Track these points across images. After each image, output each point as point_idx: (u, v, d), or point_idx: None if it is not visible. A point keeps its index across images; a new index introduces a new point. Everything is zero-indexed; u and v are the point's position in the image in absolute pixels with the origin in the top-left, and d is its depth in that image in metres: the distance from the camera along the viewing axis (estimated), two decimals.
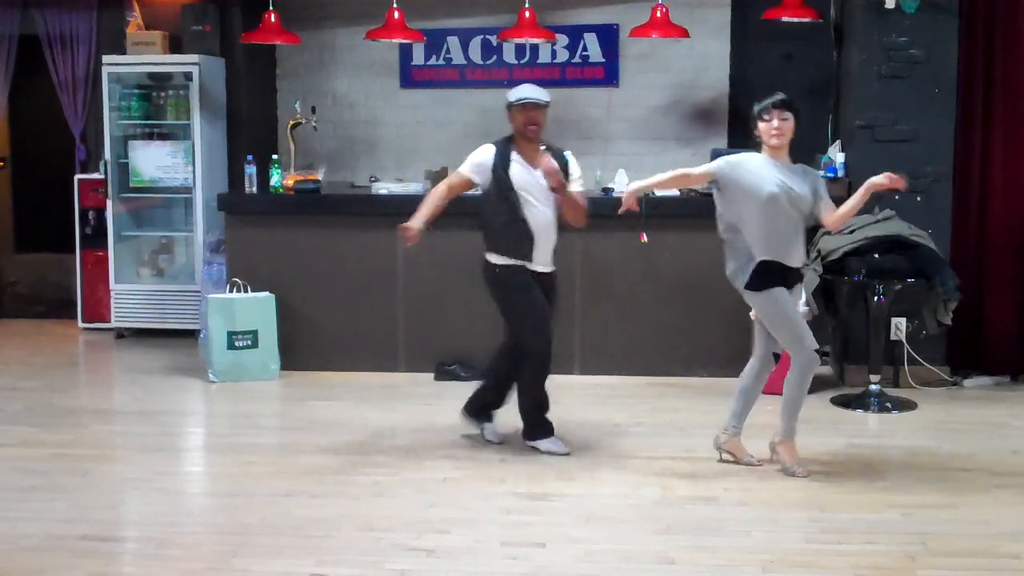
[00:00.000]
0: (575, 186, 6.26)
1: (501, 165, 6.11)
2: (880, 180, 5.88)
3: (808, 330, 5.93)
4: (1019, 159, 7.84)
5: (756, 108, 5.91)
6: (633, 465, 6.15)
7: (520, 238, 6.12)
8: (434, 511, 5.44)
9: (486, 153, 6.19)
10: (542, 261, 6.21)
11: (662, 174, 6.11)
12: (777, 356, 6.10)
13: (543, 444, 6.31)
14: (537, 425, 6.35)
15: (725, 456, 6.16)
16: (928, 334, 7.62)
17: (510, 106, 6.16)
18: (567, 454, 6.25)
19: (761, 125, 5.87)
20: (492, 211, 6.16)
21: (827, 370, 8.24)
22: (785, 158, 5.93)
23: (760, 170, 5.84)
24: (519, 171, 6.12)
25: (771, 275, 5.83)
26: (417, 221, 6.18)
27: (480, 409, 6.52)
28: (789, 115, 5.85)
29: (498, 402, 6.51)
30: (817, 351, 5.94)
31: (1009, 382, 7.97)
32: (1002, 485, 5.84)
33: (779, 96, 5.88)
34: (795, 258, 5.90)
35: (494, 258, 6.20)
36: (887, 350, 7.63)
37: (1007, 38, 7.78)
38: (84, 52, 9.93)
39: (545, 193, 6.12)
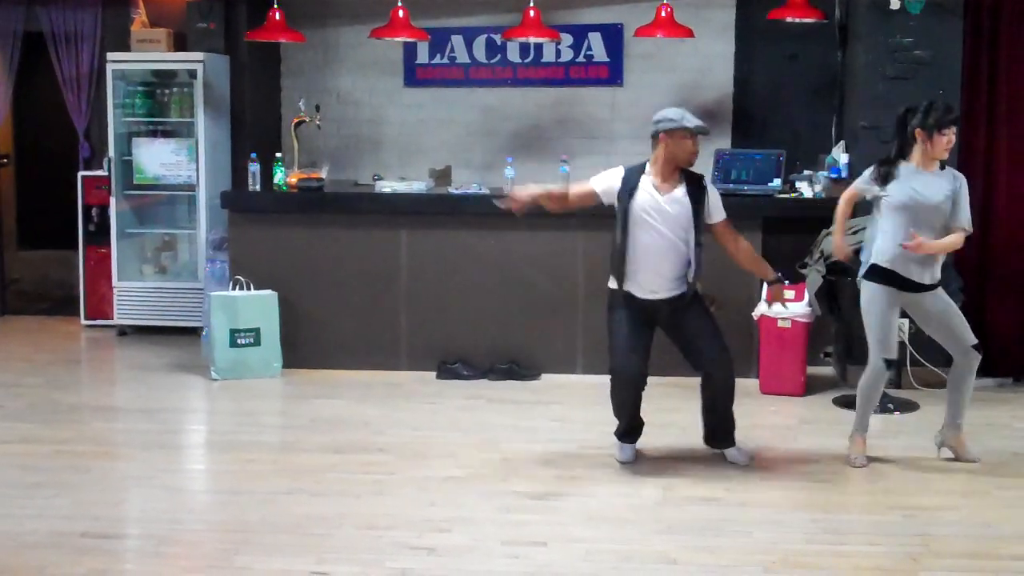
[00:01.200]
0: (717, 217, 6.10)
1: (629, 188, 6.00)
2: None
3: (886, 339, 6.12)
4: (1023, 160, 7.82)
5: (932, 118, 5.97)
6: (635, 465, 6.15)
7: (621, 261, 6.05)
8: (435, 510, 5.44)
9: (617, 175, 6.10)
10: (647, 286, 6.01)
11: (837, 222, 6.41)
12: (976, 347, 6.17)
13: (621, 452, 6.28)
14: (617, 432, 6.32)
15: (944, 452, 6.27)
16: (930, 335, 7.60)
17: (673, 131, 5.96)
18: (624, 463, 6.20)
19: (936, 137, 5.98)
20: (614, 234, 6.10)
21: (830, 371, 8.24)
22: (935, 166, 6.08)
23: (902, 177, 6.03)
24: (646, 198, 5.98)
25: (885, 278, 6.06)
26: (526, 194, 6.08)
27: (711, 434, 6.36)
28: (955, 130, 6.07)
29: (708, 423, 6.32)
30: (890, 361, 6.16)
31: (1012, 383, 7.97)
32: (1004, 487, 5.84)
33: (957, 113, 6.14)
34: (914, 271, 6.02)
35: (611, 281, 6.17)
36: None
37: (1012, 39, 7.77)
38: (88, 49, 9.93)
39: (666, 226, 5.95)
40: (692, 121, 5.95)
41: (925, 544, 5.03)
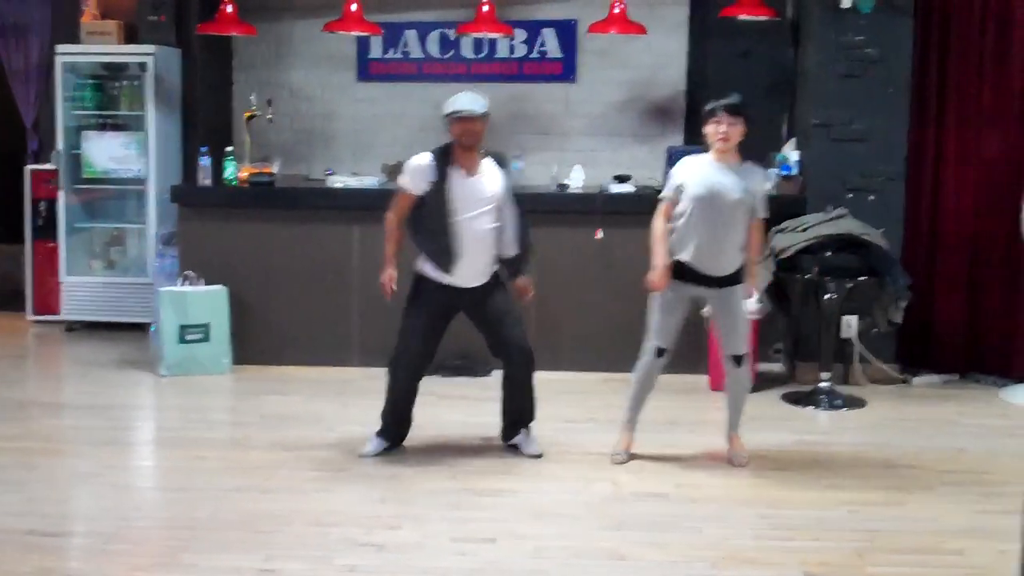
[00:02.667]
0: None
1: (439, 174, 5.94)
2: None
3: (662, 328, 6.03)
4: (971, 159, 7.92)
5: (706, 108, 5.92)
6: (584, 461, 6.16)
7: (445, 249, 5.98)
8: (384, 506, 5.43)
9: (423, 160, 6.00)
10: (466, 273, 6.02)
11: (659, 244, 6.01)
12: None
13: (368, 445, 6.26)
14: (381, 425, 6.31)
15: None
16: (879, 332, 7.68)
17: (445, 118, 5.97)
18: (365, 455, 6.18)
19: (708, 127, 5.88)
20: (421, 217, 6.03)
21: (778, 367, 8.30)
22: (732, 159, 5.93)
23: (696, 172, 5.90)
24: (456, 181, 5.95)
25: (682, 275, 5.96)
26: (389, 267, 6.07)
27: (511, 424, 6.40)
28: (738, 120, 5.84)
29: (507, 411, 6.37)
30: (661, 349, 6.05)
31: (958, 380, 8.05)
32: (949, 482, 5.90)
33: (729, 99, 5.88)
34: (715, 266, 5.93)
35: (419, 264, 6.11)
36: (838, 347, 7.68)
37: (960, 39, 7.86)
38: (37, 41, 9.82)
39: (480, 200, 5.97)
40: (450, 107, 5.92)
41: (871, 539, 5.07)
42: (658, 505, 5.51)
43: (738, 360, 6.11)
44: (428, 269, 6.04)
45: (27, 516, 5.26)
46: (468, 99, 5.94)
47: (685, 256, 5.91)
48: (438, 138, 6.24)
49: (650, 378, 6.15)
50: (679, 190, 5.93)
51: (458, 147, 5.97)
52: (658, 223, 5.99)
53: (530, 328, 7.93)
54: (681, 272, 5.94)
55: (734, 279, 5.98)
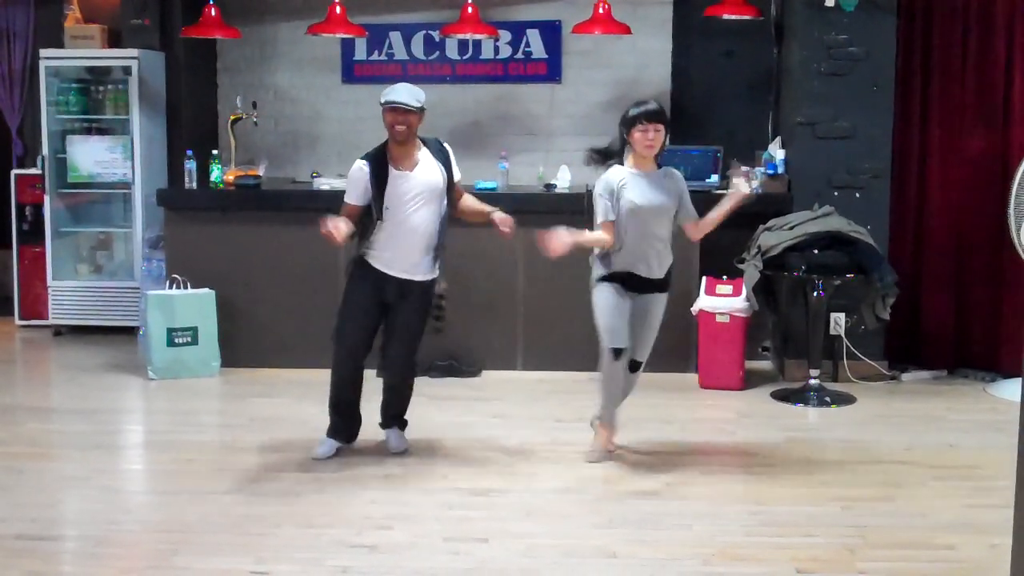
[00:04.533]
0: (458, 174, 6.14)
1: (379, 177, 5.90)
2: (743, 191, 6.02)
3: (614, 329, 6.01)
4: (956, 156, 7.95)
5: (629, 114, 5.89)
6: (575, 460, 6.16)
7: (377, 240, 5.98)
8: (375, 507, 5.42)
9: (355, 170, 5.98)
10: (403, 267, 6.00)
11: (591, 234, 5.99)
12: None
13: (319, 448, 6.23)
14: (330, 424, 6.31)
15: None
16: (867, 329, 7.70)
17: (381, 106, 5.93)
18: (318, 457, 6.15)
19: (635, 134, 5.86)
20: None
21: (767, 364, 8.31)
22: (651, 166, 5.96)
23: (625, 183, 5.89)
24: (396, 179, 5.92)
25: (618, 281, 5.99)
26: (345, 228, 5.81)
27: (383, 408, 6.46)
28: (661, 127, 5.87)
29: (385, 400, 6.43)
30: (616, 350, 6.03)
31: (946, 376, 8.08)
32: (939, 477, 5.92)
33: (652, 106, 5.89)
34: (651, 268, 5.96)
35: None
36: (826, 345, 7.70)
37: (944, 36, 7.89)
38: (21, 45, 9.81)
39: (423, 192, 5.93)
40: (385, 96, 5.91)
41: (862, 535, 5.08)
42: (649, 503, 5.51)
43: (638, 366, 6.19)
44: (368, 255, 6.01)
45: (15, 521, 5.24)
46: (404, 90, 5.93)
47: (625, 266, 5.94)
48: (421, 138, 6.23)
49: (616, 380, 6.12)
50: (614, 204, 5.89)
51: (391, 142, 5.95)
52: (604, 237, 5.96)
53: (519, 329, 8.00)
54: (621, 280, 5.97)
55: (664, 284, 6.03)
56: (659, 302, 6.06)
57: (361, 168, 5.95)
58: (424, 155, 6.01)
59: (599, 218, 5.95)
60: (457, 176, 6.13)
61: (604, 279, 6.00)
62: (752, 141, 8.78)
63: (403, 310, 6.07)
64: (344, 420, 6.27)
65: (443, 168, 6.02)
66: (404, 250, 5.96)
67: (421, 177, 5.95)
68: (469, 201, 6.26)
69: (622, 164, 5.96)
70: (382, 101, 5.91)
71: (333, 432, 6.26)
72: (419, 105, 5.90)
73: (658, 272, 5.98)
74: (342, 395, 6.22)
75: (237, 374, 8.03)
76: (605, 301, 6.01)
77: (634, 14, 9.05)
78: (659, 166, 6.01)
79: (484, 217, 6.14)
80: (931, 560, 4.84)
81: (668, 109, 9.44)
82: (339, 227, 5.74)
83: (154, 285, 8.40)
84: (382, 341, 6.21)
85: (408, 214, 5.91)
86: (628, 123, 5.88)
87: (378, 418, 6.38)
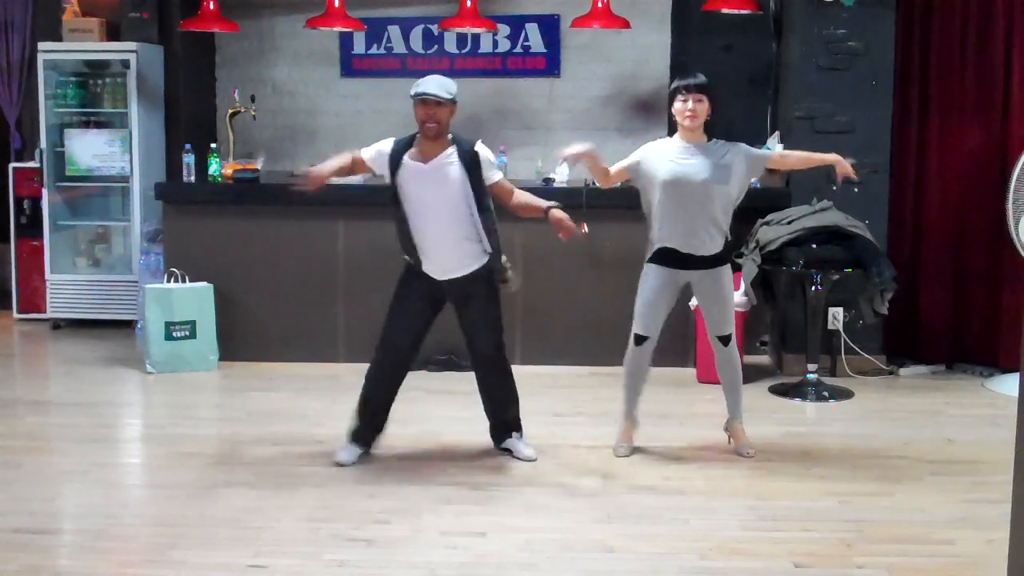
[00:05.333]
0: (495, 176, 5.89)
1: (393, 163, 5.81)
2: (848, 172, 6.03)
3: (642, 315, 6.03)
4: (954, 151, 7.95)
5: (671, 86, 5.95)
6: (574, 454, 6.17)
7: (408, 241, 5.89)
8: (374, 501, 5.42)
9: (384, 147, 5.88)
10: (440, 264, 5.86)
11: (600, 164, 6.02)
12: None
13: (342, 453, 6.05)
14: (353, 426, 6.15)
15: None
16: (865, 323, 7.70)
17: (412, 98, 5.75)
18: (341, 463, 5.97)
19: (676, 104, 5.89)
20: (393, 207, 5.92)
21: (765, 359, 8.32)
22: (697, 138, 5.93)
23: (661, 156, 5.91)
24: (409, 170, 5.79)
25: (661, 257, 5.97)
26: (325, 170, 5.84)
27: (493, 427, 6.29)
28: (704, 97, 5.85)
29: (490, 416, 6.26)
30: (640, 336, 6.04)
31: (944, 371, 8.09)
32: (937, 473, 5.92)
33: (695, 79, 5.88)
34: (691, 245, 5.91)
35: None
36: (824, 339, 7.70)
37: (943, 31, 7.89)
38: (19, 39, 9.78)
39: (440, 198, 5.77)
40: (415, 88, 5.73)
41: (859, 530, 5.09)
42: (647, 497, 5.51)
43: (725, 340, 6.11)
44: (409, 255, 5.93)
45: (13, 515, 5.24)
46: (434, 82, 5.75)
47: (665, 241, 5.92)
48: None
49: (636, 367, 6.12)
50: (634, 166, 5.95)
51: (421, 135, 5.80)
52: (608, 171, 6.03)
53: (517, 323, 7.98)
54: (664, 257, 5.94)
55: (717, 260, 5.97)
56: (715, 276, 5.97)
57: (386, 143, 5.87)
58: (449, 154, 5.78)
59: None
60: (493, 178, 5.85)
61: (650, 259, 5.99)
62: (751, 135, 8.74)
63: (468, 305, 5.96)
64: (367, 424, 6.08)
65: (465, 171, 5.76)
66: (436, 250, 5.81)
67: (434, 173, 5.76)
68: (522, 198, 5.96)
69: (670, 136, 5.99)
70: (412, 93, 5.72)
71: (354, 437, 6.06)
72: (450, 97, 5.71)
73: (701, 250, 5.90)
74: (371, 396, 6.05)
75: (235, 368, 8.02)
76: (643, 285, 6.02)
77: (633, 8, 9.03)
78: (709, 139, 5.96)
79: (539, 212, 5.86)
80: (929, 555, 4.84)
81: (666, 103, 9.45)
82: (315, 169, 5.82)
83: (152, 279, 8.40)
84: (465, 340, 6.10)
85: (428, 211, 5.77)
86: (670, 95, 5.93)
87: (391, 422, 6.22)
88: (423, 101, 5.69)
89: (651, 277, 5.99)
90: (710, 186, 5.85)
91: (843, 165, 6.04)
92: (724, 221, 5.97)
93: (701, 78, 5.89)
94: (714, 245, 5.94)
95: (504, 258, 5.96)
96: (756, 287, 7.43)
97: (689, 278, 6.02)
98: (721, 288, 6.02)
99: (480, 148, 5.84)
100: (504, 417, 6.18)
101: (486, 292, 5.95)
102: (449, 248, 5.83)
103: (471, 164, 5.78)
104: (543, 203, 5.88)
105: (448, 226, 5.79)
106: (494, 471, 5.88)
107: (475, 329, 6.01)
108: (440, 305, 6.03)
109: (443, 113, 5.71)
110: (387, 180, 5.87)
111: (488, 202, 5.86)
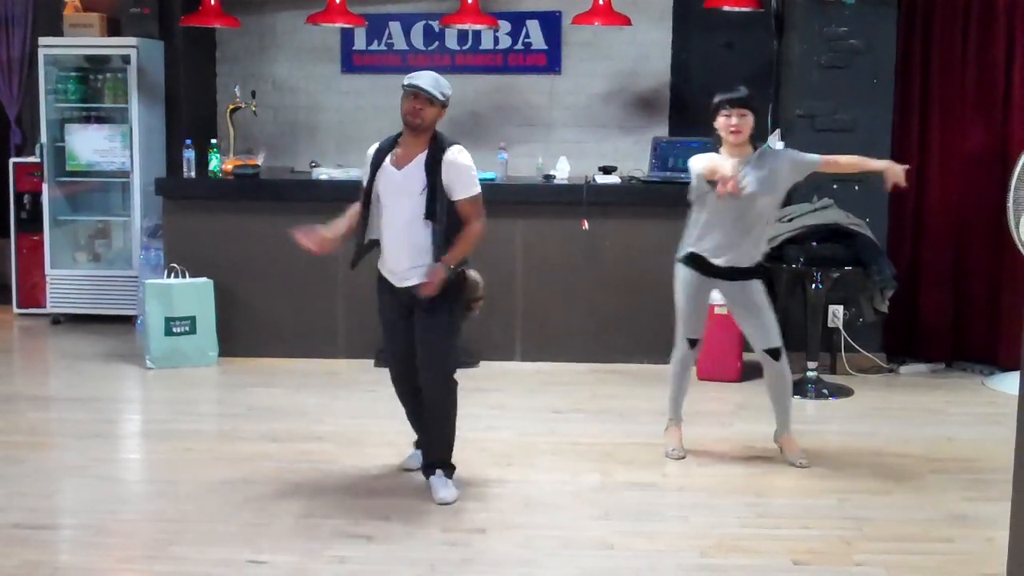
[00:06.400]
0: (458, 193, 5.33)
1: (374, 166, 5.45)
2: (899, 179, 5.94)
3: (686, 320, 5.99)
4: (956, 150, 7.94)
5: (714, 101, 5.80)
6: (573, 451, 6.16)
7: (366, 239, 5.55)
8: (373, 498, 5.42)
9: (370, 150, 5.55)
10: (393, 270, 5.49)
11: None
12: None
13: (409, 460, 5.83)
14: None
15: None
16: (865, 321, 7.70)
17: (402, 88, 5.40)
18: (409, 468, 5.79)
19: (719, 119, 5.79)
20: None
21: None
22: (743, 152, 5.81)
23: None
24: (386, 174, 5.42)
25: (692, 261, 5.90)
26: (322, 230, 5.61)
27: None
28: (748, 112, 5.75)
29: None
30: (692, 340, 6.03)
31: (944, 369, 8.09)
32: (937, 471, 5.92)
33: (736, 94, 5.77)
34: (723, 256, 5.82)
35: None
36: (825, 337, 7.70)
37: (945, 29, 7.88)
38: (20, 33, 9.78)
39: (402, 194, 5.35)
40: (408, 79, 5.41)
41: (859, 527, 5.09)
42: (646, 494, 5.51)
43: (775, 353, 6.00)
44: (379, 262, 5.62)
45: (13, 510, 5.24)
46: (429, 77, 5.42)
47: (700, 249, 5.85)
48: None
49: (685, 368, 6.13)
50: (699, 184, 5.79)
51: (404, 130, 5.46)
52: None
53: (517, 319, 8.00)
54: (693, 262, 5.88)
55: (749, 273, 5.87)
56: (746, 289, 5.87)
57: (372, 148, 5.55)
58: (423, 156, 5.35)
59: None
60: (456, 194, 5.32)
61: (681, 259, 5.92)
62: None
63: (418, 321, 5.44)
64: (419, 433, 5.79)
65: (426, 174, 5.31)
66: (389, 252, 5.48)
67: (402, 177, 5.35)
68: (468, 239, 5.42)
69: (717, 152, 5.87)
70: (404, 83, 5.41)
71: (417, 443, 5.81)
72: (442, 98, 5.36)
73: (734, 262, 5.81)
74: (402, 404, 5.74)
75: (235, 363, 8.02)
76: (678, 288, 5.97)
77: (634, 5, 9.03)
78: (754, 148, 5.85)
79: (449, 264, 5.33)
80: (928, 553, 4.84)
81: (667, 101, 9.50)
82: (311, 235, 5.57)
83: (152, 274, 8.40)
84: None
85: (390, 213, 5.42)
86: (712, 111, 5.80)
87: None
88: (414, 94, 5.34)
89: (683, 281, 5.93)
90: (759, 200, 5.74)
91: (895, 172, 5.93)
92: (766, 236, 5.96)
93: (743, 91, 5.78)
94: (749, 259, 5.86)
95: (473, 275, 5.56)
96: None
97: (717, 285, 5.96)
98: (750, 297, 5.90)
99: (451, 154, 5.36)
100: (429, 457, 5.60)
101: (431, 311, 5.38)
102: (400, 253, 5.44)
103: (433, 166, 5.32)
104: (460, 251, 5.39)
105: (401, 230, 5.40)
106: (494, 467, 5.88)
107: (418, 345, 5.46)
108: (410, 313, 5.50)
109: (430, 112, 5.35)
110: (364, 183, 5.53)
111: (439, 209, 5.30)
